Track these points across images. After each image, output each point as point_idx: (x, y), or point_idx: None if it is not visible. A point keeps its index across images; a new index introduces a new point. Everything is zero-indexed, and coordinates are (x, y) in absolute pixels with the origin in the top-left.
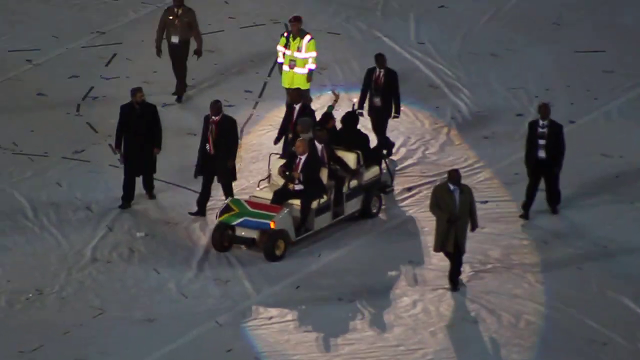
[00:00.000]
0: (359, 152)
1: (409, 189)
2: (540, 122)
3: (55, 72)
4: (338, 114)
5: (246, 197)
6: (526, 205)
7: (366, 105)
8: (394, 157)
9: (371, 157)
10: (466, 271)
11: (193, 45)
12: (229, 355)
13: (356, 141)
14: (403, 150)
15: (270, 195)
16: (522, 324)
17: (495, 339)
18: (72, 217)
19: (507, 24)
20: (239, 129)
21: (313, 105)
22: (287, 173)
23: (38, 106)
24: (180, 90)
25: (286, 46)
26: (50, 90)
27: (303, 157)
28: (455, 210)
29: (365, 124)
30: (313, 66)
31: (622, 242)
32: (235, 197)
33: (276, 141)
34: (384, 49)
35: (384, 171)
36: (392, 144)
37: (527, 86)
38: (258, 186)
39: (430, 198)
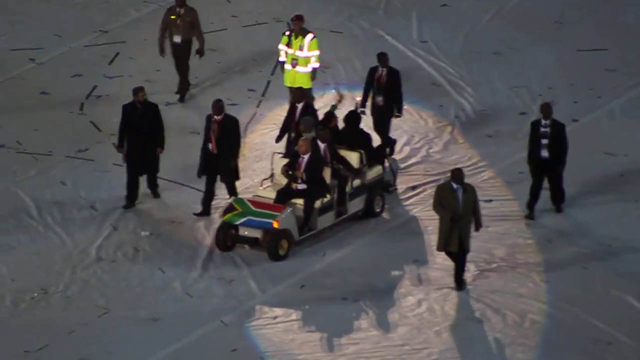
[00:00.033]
0: (361, 151)
1: (413, 188)
2: (543, 122)
3: (58, 71)
4: (340, 113)
5: (250, 196)
6: (531, 205)
7: (369, 104)
8: (396, 156)
9: (374, 156)
10: (471, 270)
11: (195, 45)
12: (233, 354)
13: (359, 140)
14: (407, 149)
15: (273, 195)
16: (526, 323)
17: (500, 338)
18: (77, 216)
19: (509, 23)
20: (242, 128)
21: (316, 104)
22: (290, 172)
23: (41, 105)
24: (183, 90)
25: (288, 45)
26: (54, 89)
27: (306, 157)
28: (458, 209)
29: (368, 123)
30: (317, 65)
31: (627, 241)
32: (239, 196)
33: (277, 139)
34: (387, 48)
35: (387, 170)
36: (394, 142)
37: (530, 85)
38: (261, 185)
39: (433, 197)
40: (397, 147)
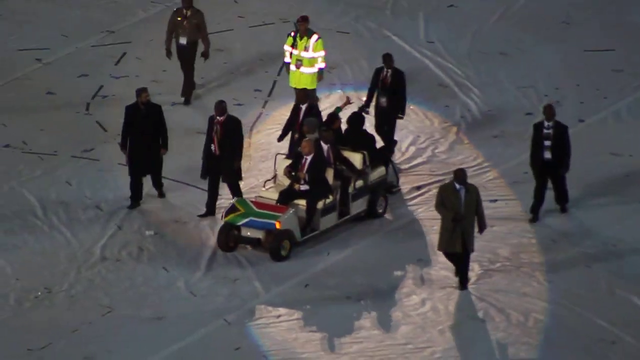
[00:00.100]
0: (364, 152)
1: (418, 188)
2: (546, 124)
3: (64, 71)
4: (344, 115)
5: (253, 196)
6: (535, 208)
7: (373, 104)
8: (402, 156)
9: (377, 157)
10: (475, 270)
11: (201, 47)
12: (237, 353)
13: (362, 141)
14: (412, 149)
15: (276, 196)
16: (530, 323)
17: (504, 337)
18: (82, 215)
19: (516, 24)
20: (247, 128)
21: (322, 105)
22: (293, 173)
23: (47, 105)
24: (188, 93)
25: (293, 46)
26: (60, 89)
27: (309, 158)
28: (460, 210)
29: (371, 125)
30: (323, 65)
31: (631, 242)
32: (243, 196)
33: (280, 139)
34: (393, 48)
35: (390, 171)
36: (395, 144)
37: (536, 85)
38: (264, 186)
39: (435, 197)
40: (403, 147)
